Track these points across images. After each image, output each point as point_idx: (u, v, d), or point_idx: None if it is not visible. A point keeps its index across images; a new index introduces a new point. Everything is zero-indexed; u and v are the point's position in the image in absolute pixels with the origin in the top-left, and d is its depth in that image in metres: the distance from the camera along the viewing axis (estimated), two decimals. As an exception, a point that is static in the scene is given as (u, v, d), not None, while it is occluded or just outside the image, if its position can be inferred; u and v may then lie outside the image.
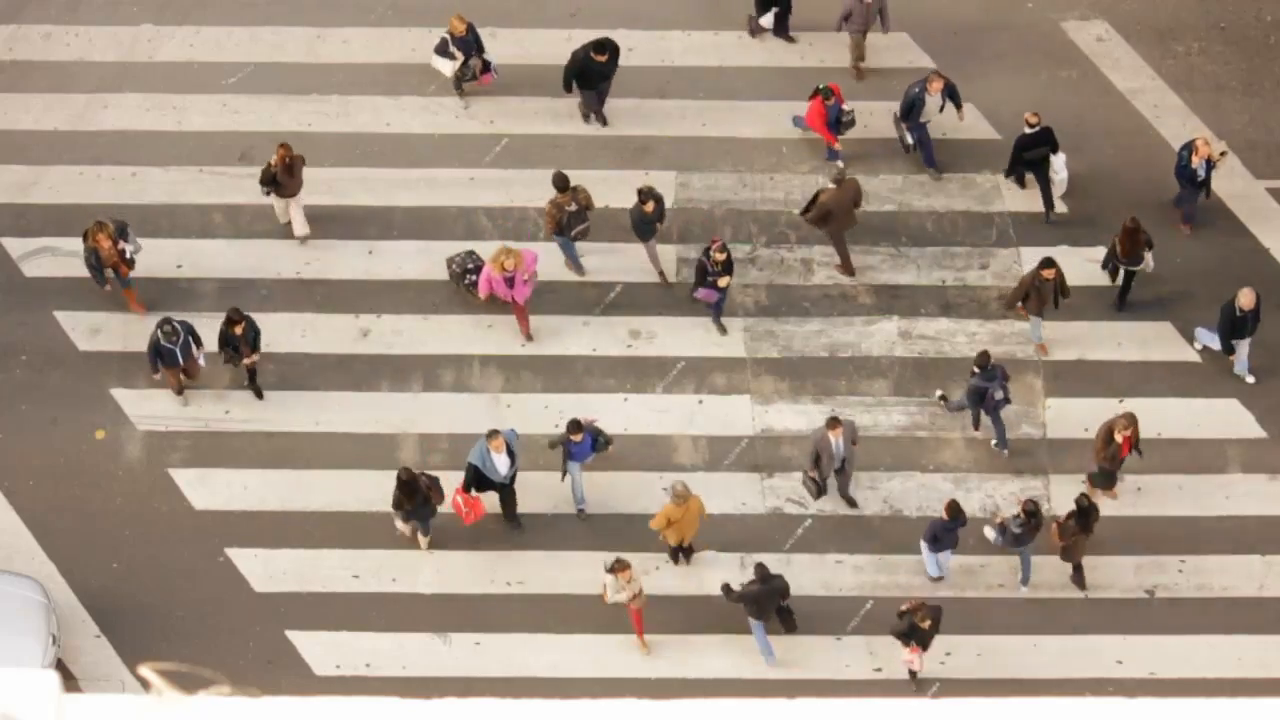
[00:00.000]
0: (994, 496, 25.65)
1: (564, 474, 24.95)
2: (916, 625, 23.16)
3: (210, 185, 28.02)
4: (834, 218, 26.59)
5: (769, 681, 24.16)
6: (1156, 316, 27.09)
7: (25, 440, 25.79)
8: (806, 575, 25.06)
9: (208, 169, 28.17)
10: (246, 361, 25.51)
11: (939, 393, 26.15)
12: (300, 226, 27.11)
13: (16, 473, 25.60)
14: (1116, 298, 26.99)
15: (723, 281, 25.82)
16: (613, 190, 27.93)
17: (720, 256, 25.70)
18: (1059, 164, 27.54)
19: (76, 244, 27.24)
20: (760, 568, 23.63)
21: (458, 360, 26.58)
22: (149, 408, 26.11)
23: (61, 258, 27.21)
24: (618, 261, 27.49)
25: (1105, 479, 25.24)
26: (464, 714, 7.70)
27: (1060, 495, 25.50)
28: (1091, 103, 29.11)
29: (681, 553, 24.98)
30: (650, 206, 26.11)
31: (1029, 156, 27.45)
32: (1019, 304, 26.20)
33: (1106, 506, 25.05)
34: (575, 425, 24.42)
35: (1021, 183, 28.00)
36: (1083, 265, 27.39)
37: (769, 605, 23.88)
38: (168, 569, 24.98)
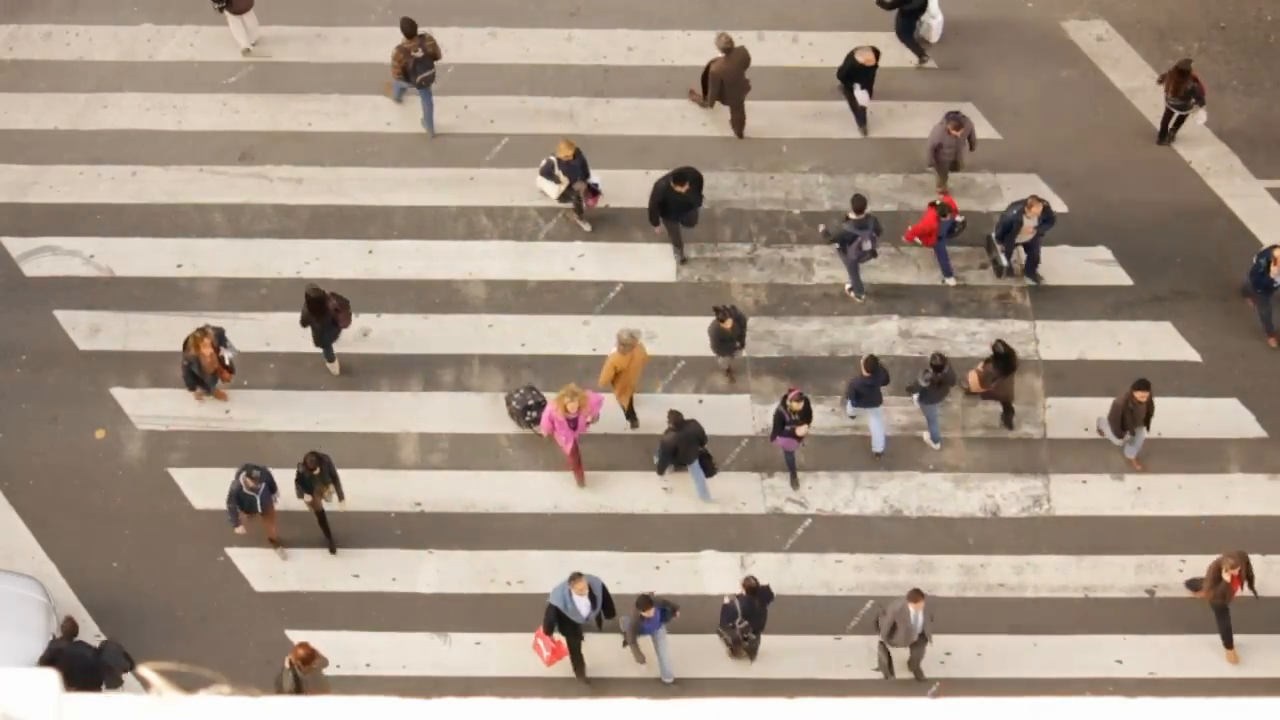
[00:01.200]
0: (994, 496, 25.66)
1: (625, 642, 24.04)
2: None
3: (210, 185, 28.03)
4: (727, 86, 27.49)
5: (769, 681, 24.17)
6: (1156, 316, 27.10)
7: (25, 440, 25.80)
8: (807, 575, 25.08)
9: (208, 168, 28.18)
10: (321, 501, 24.49)
11: (822, 226, 27.21)
12: (242, 38, 28.05)
13: (16, 472, 25.60)
14: (1158, 133, 28.16)
15: (800, 430, 24.62)
16: (613, 190, 27.94)
17: (797, 406, 24.41)
18: (934, 7, 28.57)
19: (76, 243, 27.28)
20: (674, 414, 24.66)
21: (458, 360, 26.59)
22: (149, 407, 26.12)
23: (61, 257, 27.22)
24: (618, 261, 27.49)
25: (1220, 620, 24.20)
26: (464, 714, 7.70)
27: (1060, 495, 25.51)
28: (1091, 102, 29.12)
29: (629, 415, 25.86)
30: (729, 324, 25.15)
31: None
32: (1118, 425, 25.26)
33: (1107, 507, 25.05)
34: (645, 601, 23.29)
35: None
36: (1082, 265, 27.39)
37: (690, 452, 24.77)
38: (168, 568, 24.99)
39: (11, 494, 25.48)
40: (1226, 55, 29.75)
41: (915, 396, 25.60)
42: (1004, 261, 26.85)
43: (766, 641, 24.39)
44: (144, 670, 7.92)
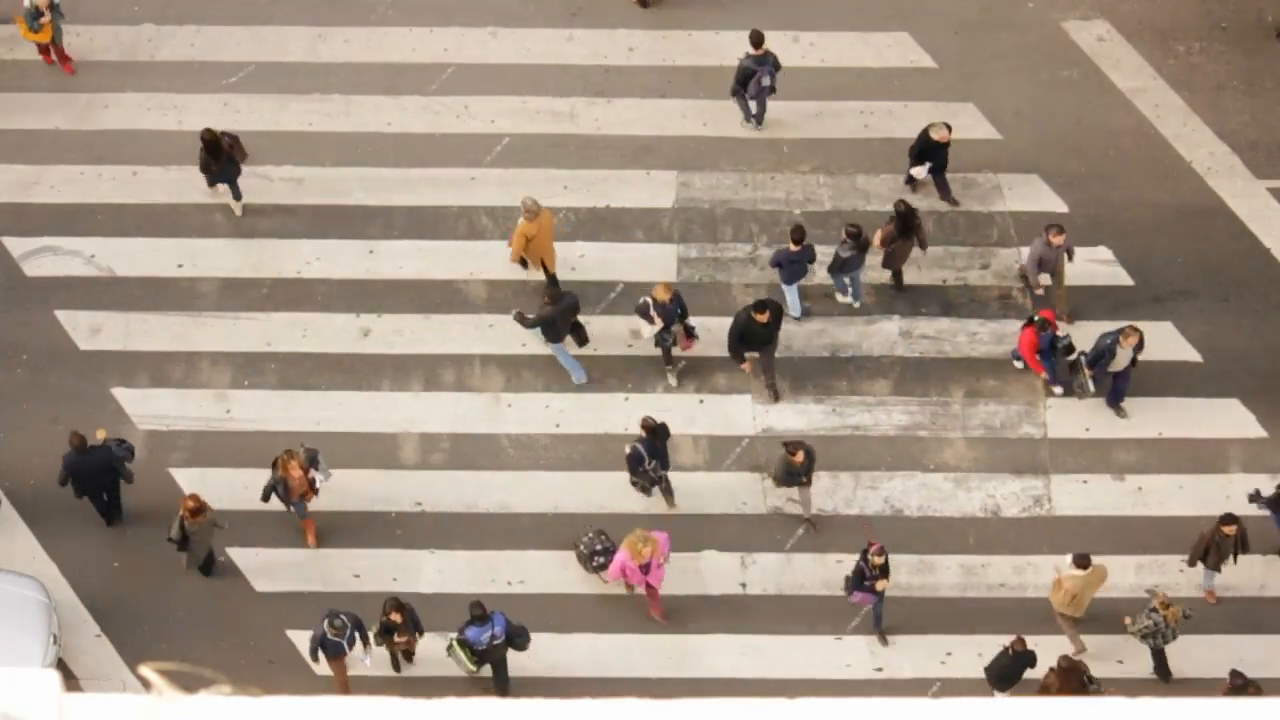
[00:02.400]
0: (995, 496, 25.66)
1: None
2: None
3: (211, 185, 28.04)
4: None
5: (769, 681, 24.17)
6: (1157, 316, 27.09)
7: (26, 439, 25.80)
8: (807, 575, 25.08)
9: (209, 168, 28.16)
10: (405, 647, 23.90)
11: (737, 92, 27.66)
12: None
13: (17, 472, 25.60)
14: None
15: (880, 585, 23.91)
16: (614, 190, 27.96)
17: (879, 560, 23.56)
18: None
19: (77, 243, 27.28)
20: (552, 289, 25.47)
21: (458, 360, 26.59)
22: (149, 407, 26.12)
23: (62, 257, 27.23)
24: (618, 261, 27.50)
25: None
26: (464, 714, 7.70)
27: (1061, 495, 25.50)
28: (1092, 102, 29.12)
29: (551, 281, 26.55)
30: (799, 457, 24.26)
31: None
32: (1199, 560, 24.68)
33: (1108, 507, 25.04)
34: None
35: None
36: (1083, 265, 27.38)
37: (564, 324, 25.54)
38: (168, 568, 24.98)
39: (11, 493, 25.48)
40: (1227, 55, 29.75)
41: (840, 267, 26.24)
42: (1091, 388, 25.77)
43: (767, 641, 24.41)
44: (144, 670, 7.92)
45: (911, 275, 27.38)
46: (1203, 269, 27.53)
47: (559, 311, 25.57)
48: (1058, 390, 26.12)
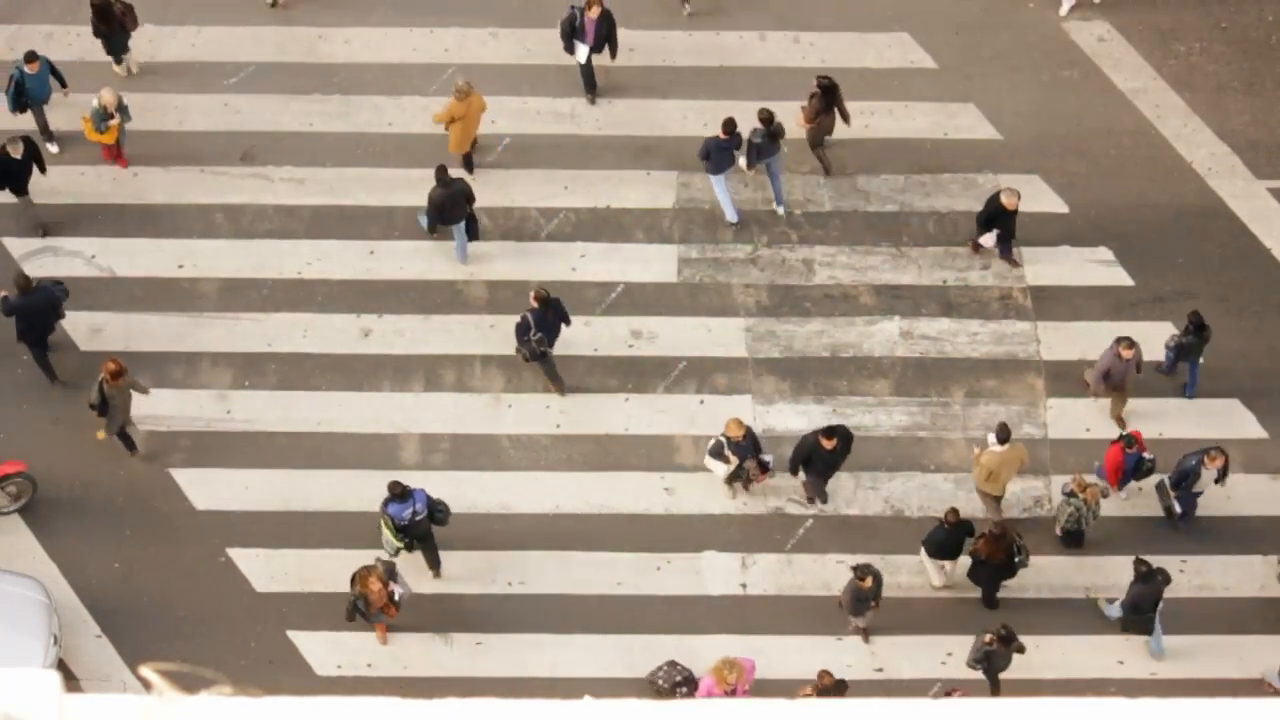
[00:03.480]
0: (995, 496, 25.66)
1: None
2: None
3: (212, 185, 28.03)
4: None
5: (769, 681, 24.16)
6: (1158, 317, 27.09)
7: (27, 440, 25.79)
8: (808, 575, 25.08)
9: (209, 169, 28.18)
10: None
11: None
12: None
13: (18, 472, 25.61)
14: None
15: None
16: (614, 190, 27.96)
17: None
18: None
19: (78, 243, 27.28)
20: (441, 170, 26.06)
21: (459, 360, 26.59)
22: (150, 407, 26.10)
23: (63, 257, 27.23)
24: (619, 262, 27.50)
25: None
26: (465, 714, 7.70)
27: (1060, 495, 25.48)
28: (1092, 103, 29.12)
29: (467, 162, 27.69)
30: (868, 582, 23.62)
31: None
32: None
33: (1108, 507, 25.01)
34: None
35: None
36: (1083, 265, 27.40)
37: (457, 210, 26.40)
38: (169, 569, 24.99)
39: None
40: (1228, 56, 29.75)
41: (756, 154, 26.95)
42: (1177, 509, 25.11)
43: (767, 641, 24.41)
44: (144, 670, 7.92)
45: (911, 275, 27.39)
46: (1203, 269, 27.53)
47: (448, 195, 26.35)
48: (1124, 496, 25.46)
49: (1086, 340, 26.83)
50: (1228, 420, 26.24)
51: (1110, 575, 25.03)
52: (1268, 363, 26.66)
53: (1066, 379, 26.61)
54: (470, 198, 26.61)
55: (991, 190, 28.00)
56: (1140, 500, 25.68)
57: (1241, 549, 25.30)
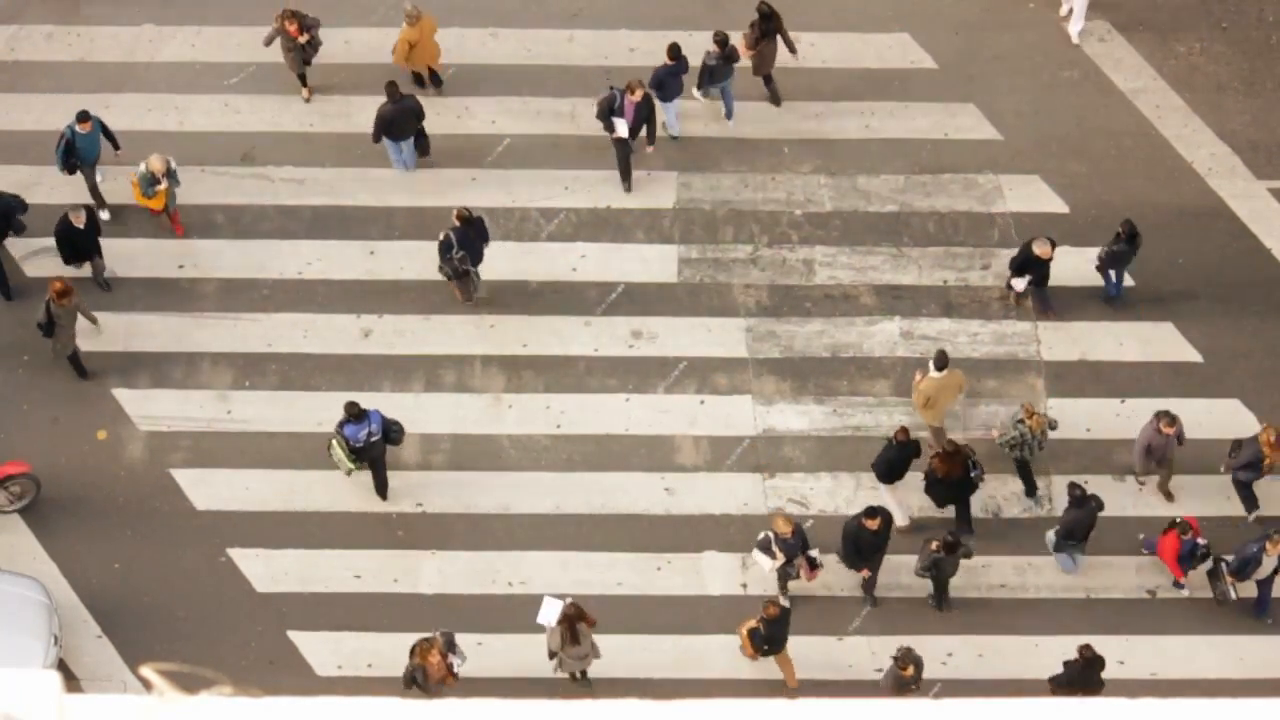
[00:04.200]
0: (995, 496, 25.65)
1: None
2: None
3: (212, 185, 28.04)
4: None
5: (769, 681, 24.17)
6: (1157, 317, 27.10)
7: (26, 440, 25.80)
8: (808, 575, 25.08)
9: (209, 169, 28.19)
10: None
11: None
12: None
13: (18, 473, 25.61)
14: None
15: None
16: (614, 191, 27.96)
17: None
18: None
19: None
20: (391, 86, 26.63)
21: (459, 360, 26.59)
22: (150, 408, 26.13)
23: (63, 258, 27.24)
24: (619, 262, 27.50)
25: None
26: (465, 714, 7.69)
27: (1062, 496, 25.49)
28: (1092, 103, 29.12)
29: (434, 78, 28.48)
30: (909, 671, 23.06)
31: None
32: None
33: (1108, 507, 25.01)
34: None
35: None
36: (1084, 265, 27.39)
37: (407, 126, 27.07)
38: (169, 569, 25.00)
39: (13, 494, 25.50)
40: (1228, 56, 29.75)
41: (709, 78, 27.67)
42: (1233, 595, 24.58)
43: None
44: (145, 670, 7.91)
45: (912, 276, 27.39)
46: (1203, 269, 27.53)
47: (397, 111, 26.93)
48: (1186, 592, 25.00)
49: (1086, 340, 26.83)
50: (1229, 421, 26.23)
51: (1110, 576, 25.03)
52: (1268, 362, 26.66)
53: (1066, 379, 26.61)
54: (419, 114, 27.23)
55: (992, 188, 28.02)
56: (1141, 499, 25.67)
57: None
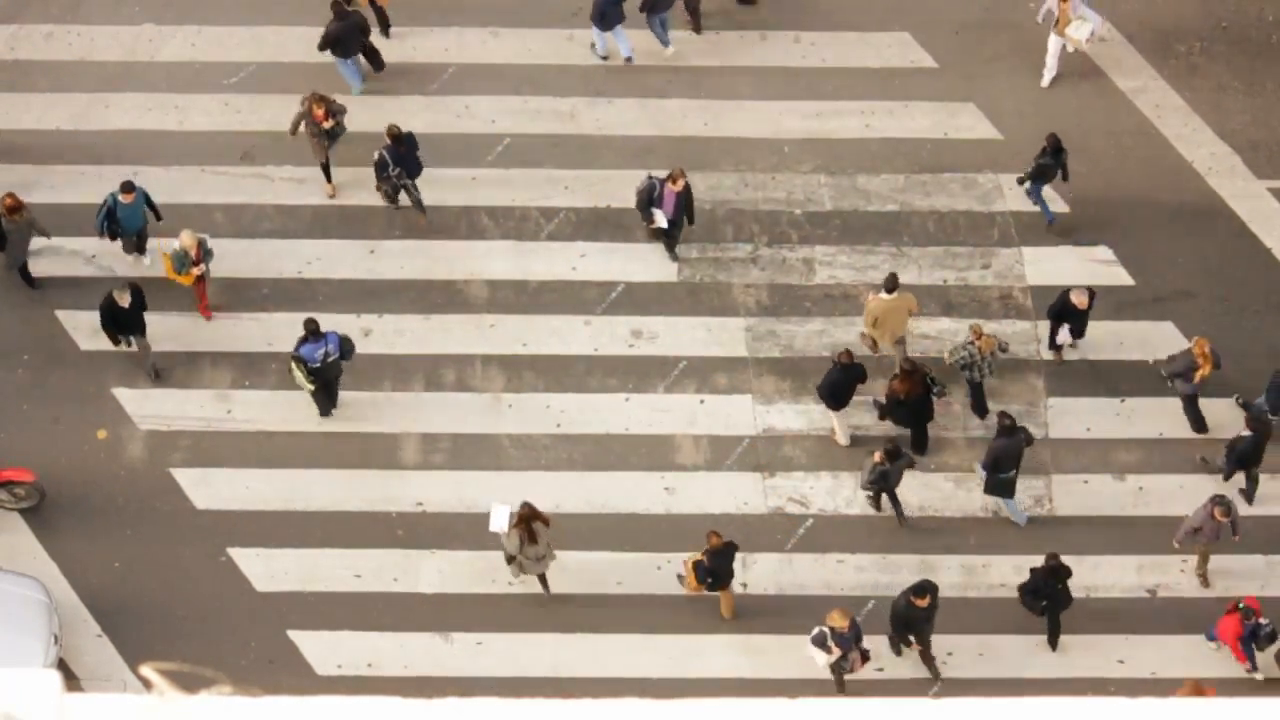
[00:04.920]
0: (995, 496, 25.64)
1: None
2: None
3: (212, 185, 28.03)
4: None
5: (769, 681, 24.17)
6: (1158, 317, 27.09)
7: (27, 440, 25.80)
8: (808, 575, 25.09)
9: (210, 168, 28.18)
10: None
11: None
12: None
13: (18, 472, 25.61)
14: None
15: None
16: (614, 190, 27.95)
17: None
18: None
19: (78, 243, 27.29)
20: (337, 5, 27.35)
21: (459, 360, 26.58)
22: (150, 407, 26.13)
23: (64, 257, 27.24)
24: (619, 261, 27.50)
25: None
26: (465, 714, 7.70)
27: (1062, 495, 25.51)
28: (1092, 102, 29.11)
29: (382, 19, 28.90)
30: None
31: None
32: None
33: (1109, 507, 25.02)
34: None
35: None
36: (1084, 265, 27.39)
37: (353, 43, 27.72)
38: (169, 568, 25.00)
39: (13, 494, 25.49)
40: (1228, 56, 29.74)
41: (650, 8, 28.25)
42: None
43: (768, 641, 24.41)
44: (145, 670, 7.92)
45: (912, 275, 27.37)
46: (1203, 269, 27.52)
47: (344, 27, 27.70)
48: (1259, 676, 24.32)
49: (1086, 340, 26.81)
50: (1228, 420, 26.22)
51: (1110, 575, 25.03)
52: (1267, 363, 26.63)
53: (1066, 378, 26.61)
54: (365, 30, 28.12)
55: (992, 188, 28.02)
56: (1141, 498, 25.68)
57: (1242, 549, 25.27)
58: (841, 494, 25.67)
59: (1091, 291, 25.87)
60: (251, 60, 29.28)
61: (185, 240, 25.83)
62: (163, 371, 26.21)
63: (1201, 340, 25.28)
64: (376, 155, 26.59)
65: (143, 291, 25.66)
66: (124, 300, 25.33)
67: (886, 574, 25.07)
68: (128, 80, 29.01)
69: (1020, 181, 27.36)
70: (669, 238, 27.14)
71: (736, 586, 24.86)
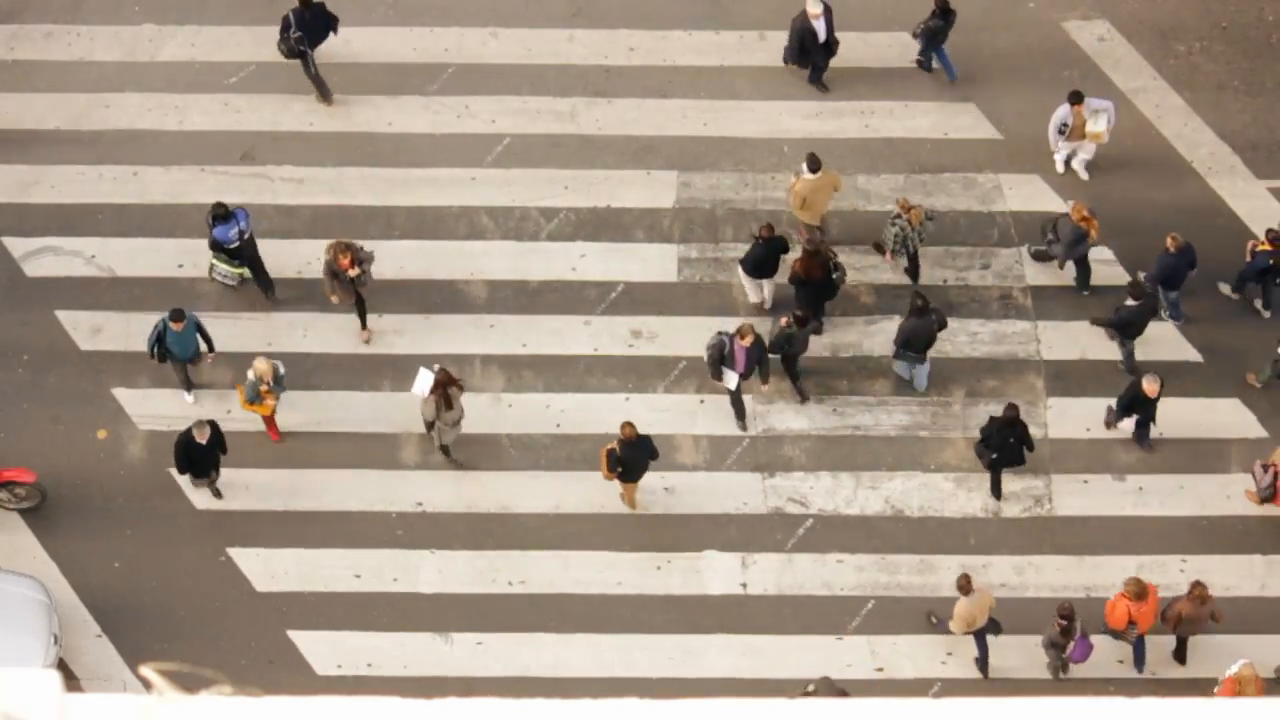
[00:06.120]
0: (995, 496, 25.65)
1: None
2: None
3: (212, 185, 28.03)
4: None
5: (769, 681, 24.18)
6: (1157, 316, 27.07)
7: (27, 440, 25.80)
8: (808, 575, 25.09)
9: (209, 168, 28.18)
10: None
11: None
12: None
13: (18, 472, 25.60)
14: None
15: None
16: (614, 190, 27.95)
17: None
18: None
19: (78, 243, 27.28)
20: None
21: (459, 360, 26.57)
22: (150, 407, 26.12)
23: (63, 257, 27.23)
24: (619, 261, 27.50)
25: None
26: (465, 714, 7.70)
27: (1062, 495, 25.50)
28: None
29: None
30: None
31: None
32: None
33: (1109, 507, 25.03)
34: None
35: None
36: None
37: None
38: (169, 568, 25.00)
39: (13, 494, 25.49)
40: (1228, 55, 29.74)
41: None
42: None
43: (767, 641, 24.42)
44: (145, 670, 7.92)
45: (912, 275, 27.40)
46: (1204, 269, 27.50)
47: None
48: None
49: (1087, 340, 26.83)
50: (1228, 420, 26.24)
51: (1110, 575, 25.03)
52: (1267, 363, 26.64)
53: (1066, 378, 26.61)
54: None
55: (992, 188, 28.02)
56: (1141, 498, 25.68)
57: (1241, 549, 25.30)
58: (841, 494, 25.68)
59: (1162, 380, 25.08)
60: (251, 60, 29.28)
61: (261, 367, 24.75)
62: (223, 492, 25.46)
63: (1078, 204, 26.36)
64: (283, 17, 27.69)
65: (221, 430, 24.62)
66: (202, 437, 24.19)
67: (886, 574, 25.08)
68: (127, 80, 29.01)
69: (914, 36, 28.45)
70: (737, 401, 25.99)
71: (736, 587, 24.87)
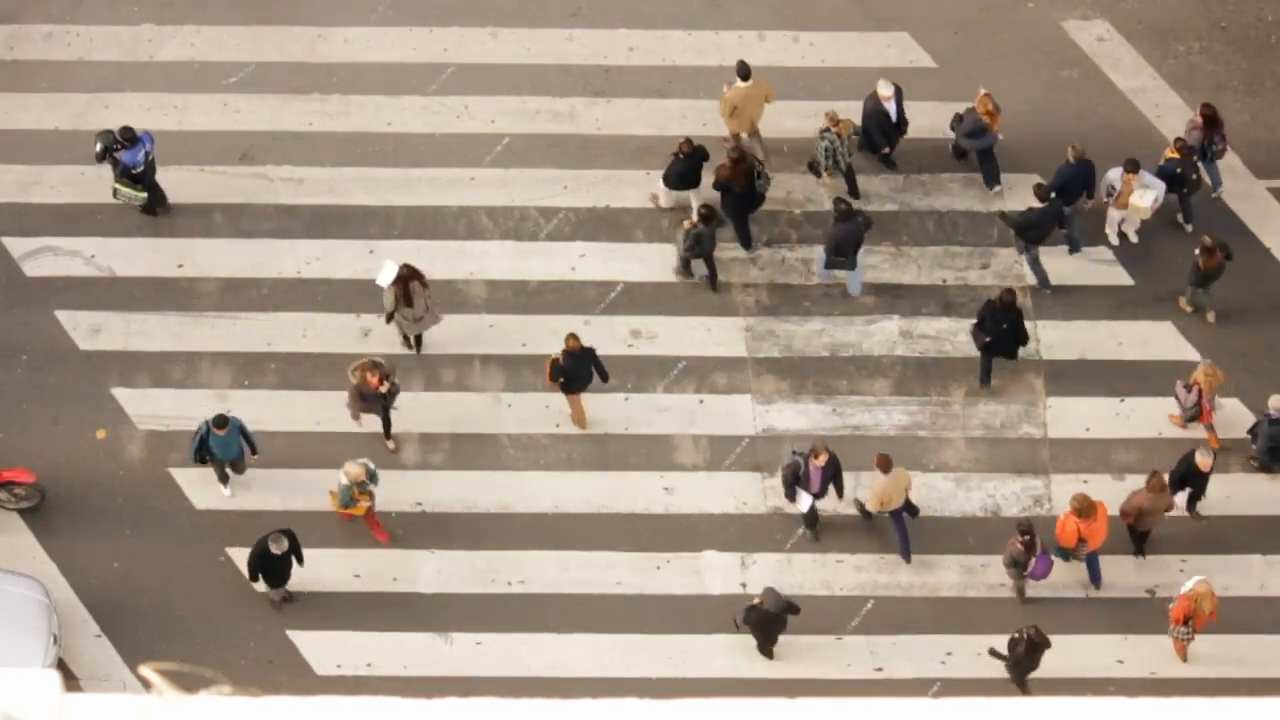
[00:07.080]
0: (995, 496, 25.66)
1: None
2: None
3: (211, 184, 28.02)
4: None
5: (769, 681, 24.18)
6: (1157, 316, 27.09)
7: (26, 440, 25.79)
8: (808, 575, 25.09)
9: (209, 168, 28.17)
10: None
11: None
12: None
13: (17, 472, 25.59)
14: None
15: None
16: (613, 190, 27.95)
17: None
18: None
19: (77, 243, 27.28)
20: None
21: (459, 360, 26.58)
22: (150, 407, 26.12)
23: (62, 257, 27.23)
24: (618, 261, 27.49)
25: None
26: (465, 714, 7.70)
27: (1061, 495, 25.49)
28: (1092, 102, 29.11)
29: None
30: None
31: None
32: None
33: (1108, 506, 24.99)
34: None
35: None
36: (1084, 265, 27.39)
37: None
38: (169, 568, 25.00)
39: (12, 494, 25.48)
40: (1227, 55, 29.73)
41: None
42: None
43: (767, 641, 24.41)
44: (144, 670, 7.92)
45: (911, 275, 27.39)
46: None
47: None
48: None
49: (1086, 339, 26.83)
50: (1228, 420, 26.23)
51: (1110, 576, 25.02)
52: (1268, 363, 26.66)
53: (1066, 378, 26.60)
54: None
55: (995, 191, 28.02)
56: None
57: (1241, 549, 25.30)
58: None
59: (1215, 453, 24.81)
60: (251, 60, 29.27)
61: (352, 471, 24.19)
62: (286, 604, 25.00)
63: (985, 95, 27.11)
64: None
65: (298, 540, 24.12)
66: (279, 548, 23.74)
67: (885, 574, 25.08)
68: (127, 80, 28.99)
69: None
70: (812, 522, 25.24)
71: (736, 586, 24.87)
